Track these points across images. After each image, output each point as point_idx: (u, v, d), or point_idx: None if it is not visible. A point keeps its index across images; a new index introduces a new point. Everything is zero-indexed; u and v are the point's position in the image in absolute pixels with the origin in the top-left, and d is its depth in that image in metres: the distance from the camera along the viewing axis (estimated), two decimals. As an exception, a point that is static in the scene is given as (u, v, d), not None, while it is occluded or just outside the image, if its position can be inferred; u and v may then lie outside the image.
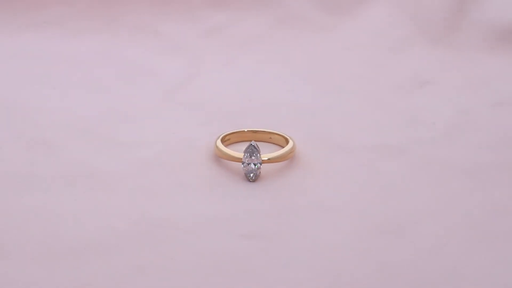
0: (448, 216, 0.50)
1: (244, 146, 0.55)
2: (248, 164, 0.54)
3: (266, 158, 0.54)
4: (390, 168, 0.56)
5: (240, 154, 0.54)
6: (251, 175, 0.54)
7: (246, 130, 0.59)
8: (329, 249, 0.47)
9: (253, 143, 0.54)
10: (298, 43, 0.75)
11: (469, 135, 0.60)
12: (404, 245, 0.48)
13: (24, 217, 0.49)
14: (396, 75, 0.70)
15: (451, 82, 0.68)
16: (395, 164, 0.56)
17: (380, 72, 0.71)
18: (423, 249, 0.47)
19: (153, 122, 0.61)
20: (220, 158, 0.56)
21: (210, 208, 0.51)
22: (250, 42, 0.74)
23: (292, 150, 0.56)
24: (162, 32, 0.75)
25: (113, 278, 0.44)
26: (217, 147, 0.56)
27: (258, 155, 0.54)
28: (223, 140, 0.57)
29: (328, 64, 0.72)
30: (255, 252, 0.47)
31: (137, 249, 0.47)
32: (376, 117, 0.63)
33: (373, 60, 0.73)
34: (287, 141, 0.57)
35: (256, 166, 0.54)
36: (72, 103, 0.64)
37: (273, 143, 0.59)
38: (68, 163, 0.55)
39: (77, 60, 0.71)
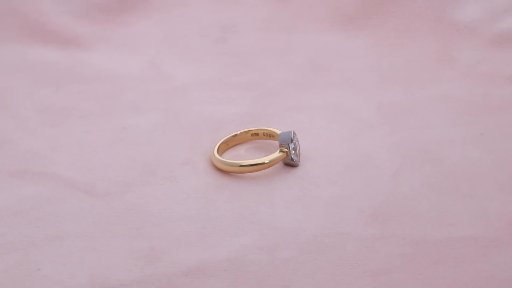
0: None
1: (231, 151, 0.60)
2: (294, 149, 0.59)
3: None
4: (323, 101, 0.68)
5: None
6: (298, 158, 0.59)
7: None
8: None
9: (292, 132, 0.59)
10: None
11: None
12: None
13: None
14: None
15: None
16: (328, 94, 0.69)
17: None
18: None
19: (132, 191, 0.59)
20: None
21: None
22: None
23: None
24: None
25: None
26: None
27: (296, 137, 0.59)
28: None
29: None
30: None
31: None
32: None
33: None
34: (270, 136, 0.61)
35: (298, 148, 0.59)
36: None
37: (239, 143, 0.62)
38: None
39: None
